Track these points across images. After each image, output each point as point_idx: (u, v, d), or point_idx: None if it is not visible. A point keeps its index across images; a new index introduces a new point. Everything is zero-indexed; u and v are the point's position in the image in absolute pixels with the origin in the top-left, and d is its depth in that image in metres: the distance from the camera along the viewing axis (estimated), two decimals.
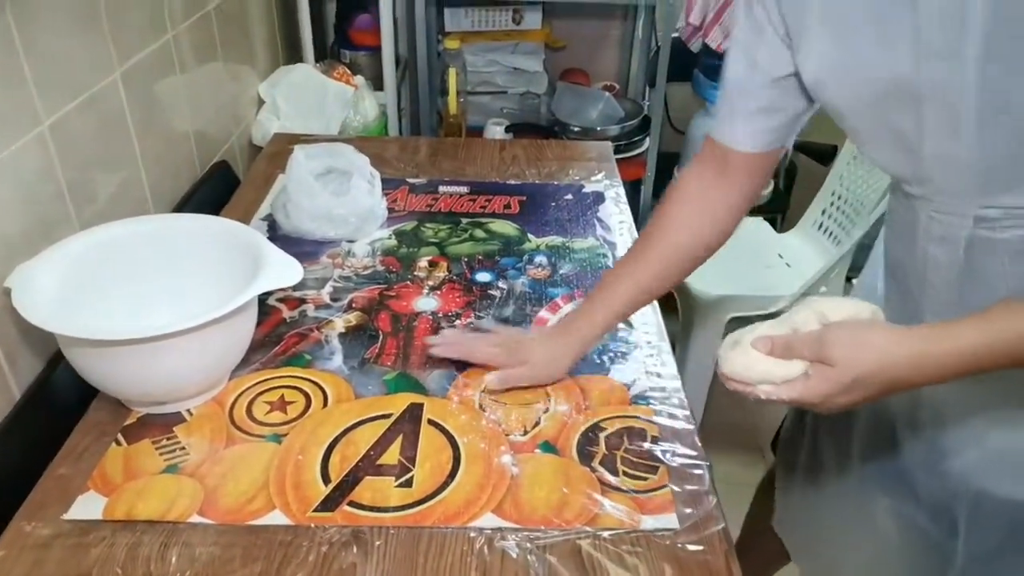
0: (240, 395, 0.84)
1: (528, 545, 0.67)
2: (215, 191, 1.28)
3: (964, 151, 0.58)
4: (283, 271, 0.81)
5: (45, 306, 0.73)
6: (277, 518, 0.69)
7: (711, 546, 0.67)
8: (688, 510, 0.70)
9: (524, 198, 1.26)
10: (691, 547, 0.66)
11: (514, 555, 0.66)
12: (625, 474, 0.74)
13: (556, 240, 1.15)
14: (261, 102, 1.57)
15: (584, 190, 1.29)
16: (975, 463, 0.69)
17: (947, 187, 0.61)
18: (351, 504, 0.71)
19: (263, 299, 0.97)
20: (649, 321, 0.97)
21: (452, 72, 1.76)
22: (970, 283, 0.63)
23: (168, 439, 0.78)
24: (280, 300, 0.99)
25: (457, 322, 0.96)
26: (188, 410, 0.81)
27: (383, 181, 1.20)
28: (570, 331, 0.86)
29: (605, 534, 0.68)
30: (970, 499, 0.70)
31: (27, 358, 0.83)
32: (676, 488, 0.73)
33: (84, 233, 0.84)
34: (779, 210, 2.11)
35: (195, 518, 0.69)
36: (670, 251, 0.83)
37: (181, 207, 1.20)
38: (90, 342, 0.72)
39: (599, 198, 1.27)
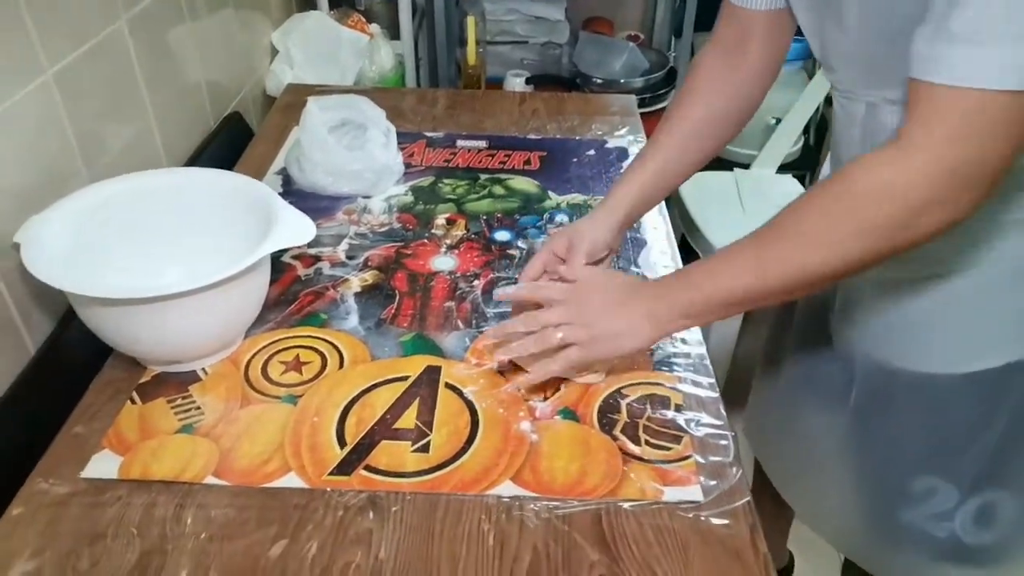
0: (255, 354, 0.82)
1: (547, 515, 0.65)
2: (229, 144, 1.25)
3: (849, 45, 0.66)
4: (296, 229, 0.78)
5: (55, 262, 0.72)
6: (292, 481, 0.68)
7: (736, 520, 0.65)
8: (712, 482, 0.68)
9: (544, 153, 1.22)
10: (715, 520, 0.65)
11: (532, 525, 0.64)
12: (648, 443, 0.73)
13: (578, 198, 1.11)
14: (275, 51, 1.52)
15: (607, 145, 1.25)
16: (869, 334, 0.78)
17: (843, 76, 0.70)
18: (367, 468, 0.70)
19: (277, 256, 0.95)
20: None
21: (471, 20, 1.70)
22: None
23: (183, 398, 0.77)
24: (295, 257, 0.97)
25: (475, 282, 0.94)
26: (203, 369, 0.80)
27: (399, 134, 1.17)
28: (608, 209, 0.84)
29: (626, 506, 0.66)
30: (863, 362, 0.79)
31: (41, 314, 0.81)
32: (700, 459, 0.71)
33: (93, 187, 0.82)
34: (809, 167, 2.05)
35: (210, 479, 0.68)
36: (687, 126, 0.83)
37: (194, 160, 1.17)
38: (101, 300, 0.70)
39: (622, 154, 1.23)
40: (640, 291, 0.72)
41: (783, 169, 1.87)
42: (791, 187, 1.80)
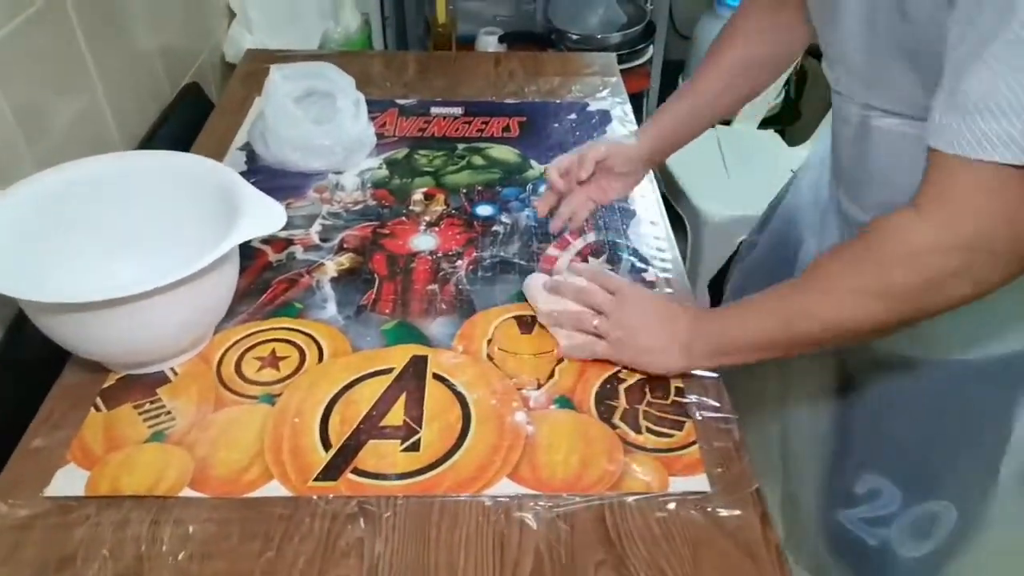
0: (227, 350, 0.77)
1: (548, 515, 0.62)
2: (188, 118, 1.17)
3: (849, 52, 0.64)
4: (264, 217, 0.72)
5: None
6: (275, 489, 0.64)
7: (745, 510, 0.62)
8: (718, 470, 0.65)
9: (524, 119, 1.16)
10: (723, 511, 0.62)
11: (534, 526, 0.61)
12: (649, 430, 0.69)
13: None
14: (232, 14, 1.43)
15: (588, 108, 1.19)
16: None
17: (841, 77, 0.69)
18: (355, 472, 0.65)
19: (246, 241, 0.89)
20: (668, 258, 0.90)
21: None
22: (862, 161, 0.69)
23: (152, 403, 0.71)
24: (265, 242, 0.91)
25: (459, 262, 0.89)
26: (172, 369, 0.75)
27: (369, 103, 1.10)
28: (640, 140, 0.86)
29: (630, 500, 0.63)
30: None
31: None
32: (704, 446, 0.67)
33: (39, 175, 0.75)
34: (789, 121, 2.01)
35: (186, 491, 0.64)
36: (725, 66, 0.83)
37: (151, 137, 1.09)
38: (52, 306, 0.64)
39: (605, 117, 1.17)
40: (679, 318, 0.72)
41: (764, 124, 1.83)
42: (772, 143, 1.76)
